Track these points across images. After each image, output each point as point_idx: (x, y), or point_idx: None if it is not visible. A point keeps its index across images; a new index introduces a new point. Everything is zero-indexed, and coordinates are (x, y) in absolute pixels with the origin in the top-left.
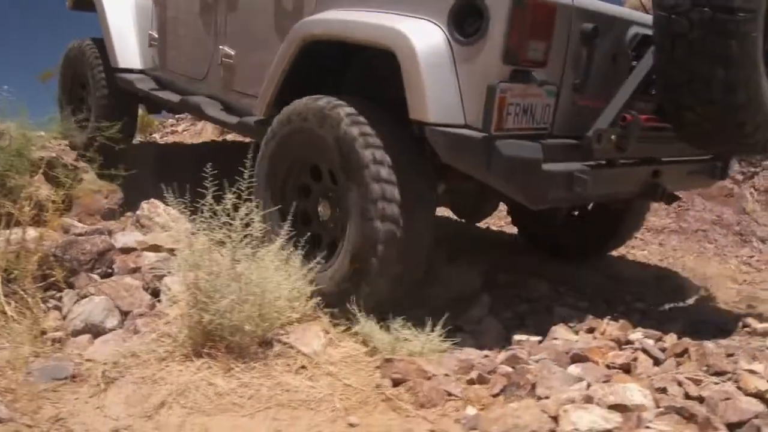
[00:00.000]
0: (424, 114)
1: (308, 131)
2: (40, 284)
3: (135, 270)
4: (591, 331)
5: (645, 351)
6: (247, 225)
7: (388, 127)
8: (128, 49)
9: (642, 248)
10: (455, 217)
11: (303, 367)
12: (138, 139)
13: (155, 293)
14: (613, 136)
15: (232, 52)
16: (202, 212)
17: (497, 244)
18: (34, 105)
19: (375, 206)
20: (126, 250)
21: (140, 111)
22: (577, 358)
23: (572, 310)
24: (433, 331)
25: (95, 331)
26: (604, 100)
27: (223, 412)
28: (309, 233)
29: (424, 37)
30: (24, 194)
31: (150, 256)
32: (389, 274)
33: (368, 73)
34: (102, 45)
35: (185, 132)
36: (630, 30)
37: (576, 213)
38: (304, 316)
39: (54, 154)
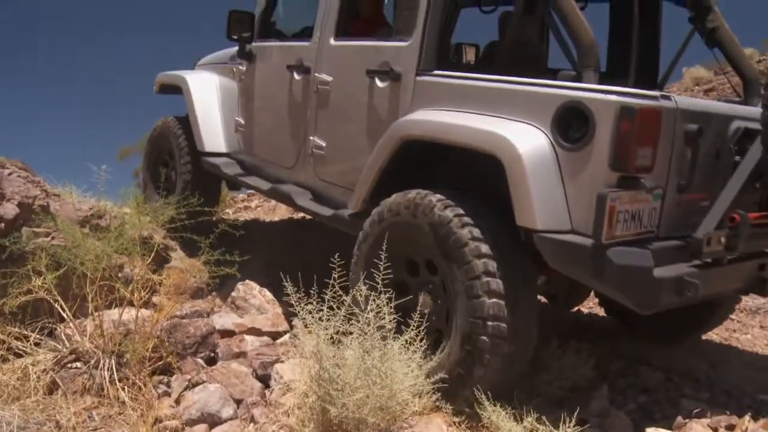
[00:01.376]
0: (532, 221)
1: (411, 225)
2: (149, 368)
3: (239, 355)
4: (731, 428)
5: None
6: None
7: (493, 226)
8: (214, 134)
9: (744, 332)
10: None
11: None
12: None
13: (264, 380)
14: (722, 238)
15: (323, 144)
16: (321, 299)
17: (591, 327)
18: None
19: (482, 299)
20: (225, 333)
21: None
22: None
23: (697, 403)
24: (565, 423)
25: (211, 420)
26: (707, 195)
27: None
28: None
29: (529, 143)
30: (137, 277)
31: (252, 340)
32: (500, 353)
33: (464, 168)
34: (186, 123)
35: (258, 208)
36: (732, 125)
37: None
38: (425, 408)
39: (146, 234)
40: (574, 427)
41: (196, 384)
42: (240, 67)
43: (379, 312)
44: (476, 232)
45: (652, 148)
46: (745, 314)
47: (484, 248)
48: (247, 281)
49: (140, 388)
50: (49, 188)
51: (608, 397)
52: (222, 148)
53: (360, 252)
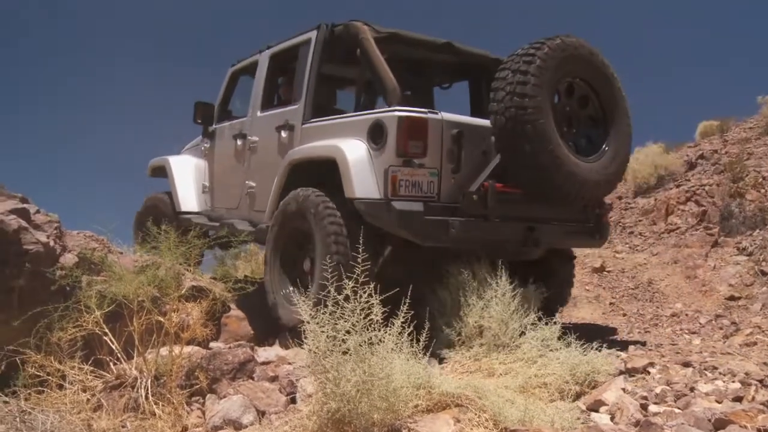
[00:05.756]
0: (352, 192)
1: (294, 213)
2: (186, 390)
3: (274, 378)
4: (738, 399)
5: None
6: (368, 313)
7: (341, 207)
8: (188, 198)
9: None
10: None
11: None
12: None
13: (292, 396)
14: (474, 197)
15: (254, 184)
16: (325, 305)
17: None
18: None
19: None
20: (267, 364)
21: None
22: (721, 424)
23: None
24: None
25: (233, 426)
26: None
27: None
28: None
29: (352, 149)
30: (176, 317)
31: (288, 367)
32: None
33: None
34: (170, 195)
35: None
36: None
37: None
38: (433, 404)
39: (203, 285)
40: (571, 410)
41: (224, 397)
42: (206, 145)
43: (369, 308)
44: (325, 199)
45: (422, 142)
46: None
47: (330, 206)
48: None
49: (174, 405)
50: (113, 247)
51: (622, 386)
52: (194, 208)
53: (271, 234)
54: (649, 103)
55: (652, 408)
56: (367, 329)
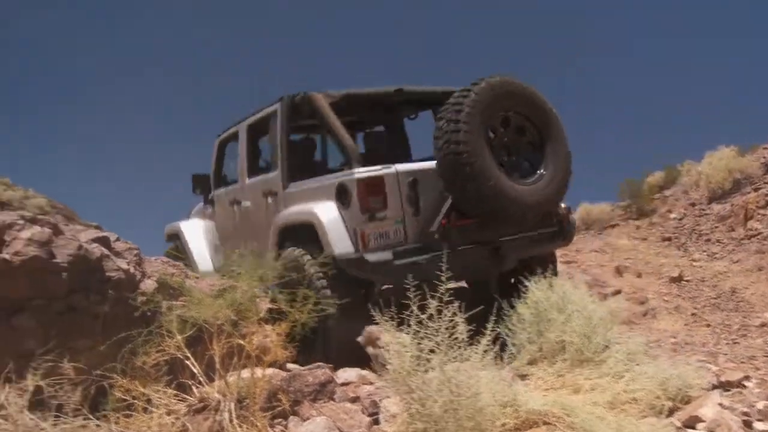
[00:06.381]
0: (333, 251)
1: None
2: (268, 413)
3: (355, 399)
4: None
5: None
6: (453, 331)
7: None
8: (204, 258)
9: None
10: None
11: None
12: None
13: (375, 417)
14: (436, 235)
15: (256, 244)
16: (408, 324)
17: None
18: None
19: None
20: (346, 384)
21: None
22: None
23: None
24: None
25: None
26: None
27: None
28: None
29: (325, 211)
30: (256, 340)
31: (368, 388)
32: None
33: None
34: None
35: None
36: None
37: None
38: (520, 422)
39: (281, 307)
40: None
41: (307, 419)
42: (209, 210)
43: (453, 326)
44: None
45: (382, 197)
46: None
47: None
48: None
49: (259, 428)
50: (189, 272)
51: (717, 402)
52: (210, 267)
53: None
54: (719, 105)
55: (758, 425)
56: (452, 348)
